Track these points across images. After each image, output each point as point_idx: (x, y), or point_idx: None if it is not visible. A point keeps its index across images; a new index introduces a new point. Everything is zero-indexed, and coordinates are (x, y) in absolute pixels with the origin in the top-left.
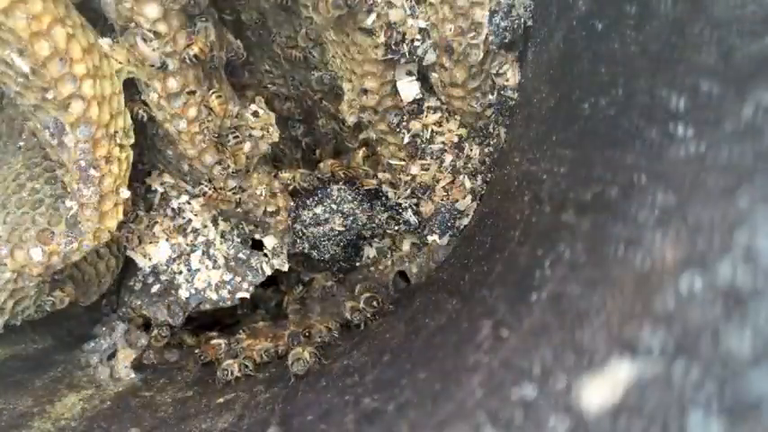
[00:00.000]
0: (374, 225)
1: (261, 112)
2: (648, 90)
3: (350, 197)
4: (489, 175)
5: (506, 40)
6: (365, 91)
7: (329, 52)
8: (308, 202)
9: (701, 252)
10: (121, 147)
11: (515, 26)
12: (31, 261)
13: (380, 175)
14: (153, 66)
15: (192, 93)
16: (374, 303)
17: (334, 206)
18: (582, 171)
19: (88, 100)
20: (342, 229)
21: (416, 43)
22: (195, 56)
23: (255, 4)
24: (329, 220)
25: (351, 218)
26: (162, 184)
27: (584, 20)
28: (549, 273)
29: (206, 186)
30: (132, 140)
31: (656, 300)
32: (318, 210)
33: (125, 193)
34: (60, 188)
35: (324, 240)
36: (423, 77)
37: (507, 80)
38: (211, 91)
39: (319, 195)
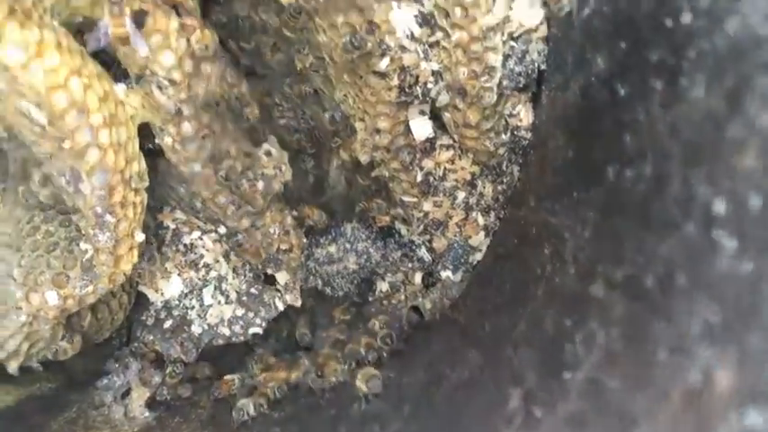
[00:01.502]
0: (388, 263)
1: (273, 151)
2: (682, 179)
3: (363, 236)
4: (503, 212)
5: (520, 85)
6: (378, 131)
7: (340, 91)
8: (321, 240)
9: (763, 389)
10: (136, 191)
11: (529, 71)
12: (47, 305)
13: (393, 211)
14: (168, 112)
15: (207, 136)
16: (388, 341)
17: (348, 245)
18: (609, 244)
19: (105, 148)
20: (355, 267)
21: (429, 85)
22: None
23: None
24: (343, 258)
25: (364, 256)
26: (174, 220)
27: (605, 79)
28: (582, 352)
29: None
30: (146, 183)
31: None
32: (332, 248)
33: (140, 237)
34: (75, 230)
35: (337, 278)
36: (435, 115)
37: (521, 120)
38: (225, 134)
39: (333, 234)
